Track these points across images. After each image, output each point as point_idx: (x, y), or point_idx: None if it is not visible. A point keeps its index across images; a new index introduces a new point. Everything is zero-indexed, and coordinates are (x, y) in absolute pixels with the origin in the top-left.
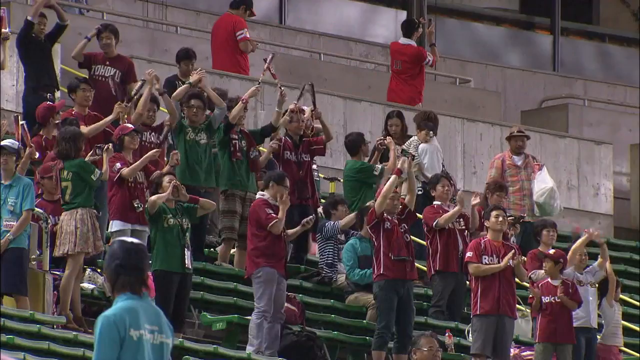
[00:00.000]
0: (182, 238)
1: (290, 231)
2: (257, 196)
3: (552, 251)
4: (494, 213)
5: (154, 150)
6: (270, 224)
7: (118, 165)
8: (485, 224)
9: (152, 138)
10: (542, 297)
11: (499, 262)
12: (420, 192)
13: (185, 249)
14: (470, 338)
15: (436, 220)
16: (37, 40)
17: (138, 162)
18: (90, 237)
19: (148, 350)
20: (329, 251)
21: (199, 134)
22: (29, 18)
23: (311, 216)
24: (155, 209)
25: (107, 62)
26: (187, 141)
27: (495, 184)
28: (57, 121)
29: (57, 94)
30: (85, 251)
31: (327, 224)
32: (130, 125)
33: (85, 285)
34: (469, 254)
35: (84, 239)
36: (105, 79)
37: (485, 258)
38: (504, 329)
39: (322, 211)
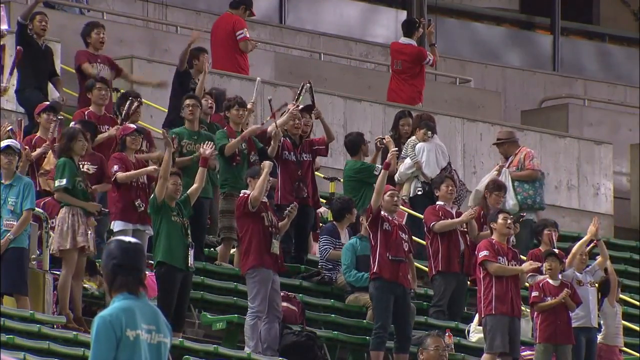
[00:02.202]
0: (184, 237)
1: (280, 224)
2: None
3: (556, 251)
4: (501, 216)
5: (153, 167)
6: (246, 201)
7: (115, 167)
8: (492, 226)
9: (144, 147)
10: (532, 293)
11: (506, 265)
12: (420, 192)
13: (189, 248)
14: (471, 338)
15: (433, 223)
16: (35, 41)
17: (135, 172)
18: (69, 233)
19: (145, 350)
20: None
21: (196, 146)
22: (20, 20)
23: (293, 204)
24: (163, 196)
25: (98, 60)
26: (184, 155)
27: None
28: (52, 121)
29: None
30: (71, 248)
31: (322, 240)
32: (132, 126)
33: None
34: (484, 252)
35: (62, 236)
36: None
37: (500, 259)
38: (515, 329)
39: (328, 212)
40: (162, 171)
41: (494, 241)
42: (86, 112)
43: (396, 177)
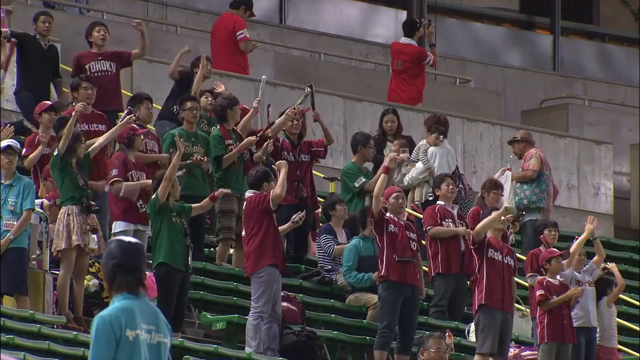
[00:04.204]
0: (184, 238)
1: (281, 228)
2: (248, 194)
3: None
4: (494, 213)
5: (148, 181)
6: (266, 199)
7: (115, 172)
8: None
9: (155, 147)
10: (537, 292)
11: (502, 259)
12: (431, 198)
13: (188, 249)
14: (471, 338)
15: (429, 227)
16: (38, 41)
17: (134, 183)
18: (65, 232)
19: (145, 350)
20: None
21: (194, 148)
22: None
23: (302, 213)
24: (165, 198)
25: (100, 57)
26: (182, 156)
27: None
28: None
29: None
30: (67, 248)
31: (322, 239)
32: (142, 128)
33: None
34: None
35: (59, 236)
36: (104, 73)
37: (490, 251)
38: (508, 326)
39: (321, 212)
40: (168, 173)
41: (488, 237)
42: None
43: (407, 181)
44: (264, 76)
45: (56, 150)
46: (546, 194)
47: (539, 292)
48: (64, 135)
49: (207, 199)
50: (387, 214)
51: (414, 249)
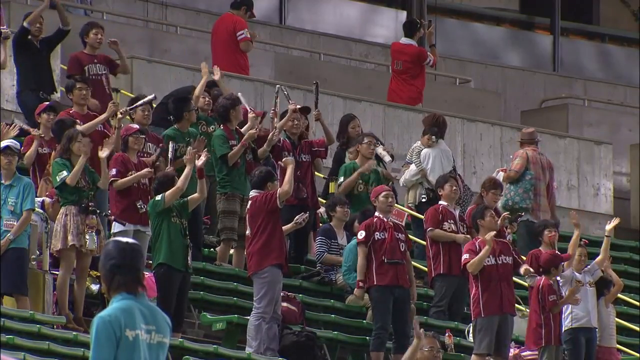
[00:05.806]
0: (183, 238)
1: (284, 227)
2: (253, 194)
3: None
4: (488, 213)
5: (147, 170)
6: (273, 197)
7: (113, 171)
8: (480, 223)
9: (150, 149)
10: (549, 297)
11: (495, 262)
12: (424, 199)
13: (188, 249)
14: (471, 338)
15: (430, 229)
16: (31, 42)
17: (131, 177)
18: (62, 233)
19: (144, 350)
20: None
21: (188, 148)
22: (25, 25)
23: (305, 215)
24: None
25: (95, 60)
26: (178, 157)
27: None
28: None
29: (57, 95)
30: (63, 248)
31: (317, 242)
32: (135, 126)
33: (92, 287)
34: (465, 256)
35: (57, 237)
36: (99, 77)
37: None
38: (507, 327)
39: (322, 213)
40: (181, 182)
41: (477, 241)
42: (70, 112)
43: (401, 182)
44: (277, 86)
45: (58, 158)
46: (532, 194)
47: (550, 298)
48: (75, 171)
49: (199, 181)
50: (376, 213)
51: (403, 250)
